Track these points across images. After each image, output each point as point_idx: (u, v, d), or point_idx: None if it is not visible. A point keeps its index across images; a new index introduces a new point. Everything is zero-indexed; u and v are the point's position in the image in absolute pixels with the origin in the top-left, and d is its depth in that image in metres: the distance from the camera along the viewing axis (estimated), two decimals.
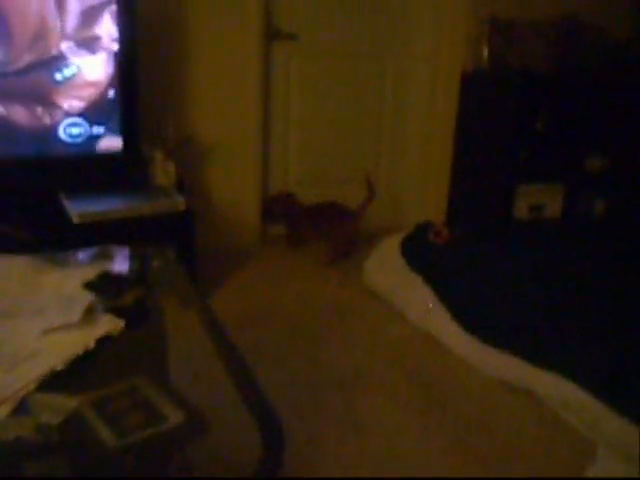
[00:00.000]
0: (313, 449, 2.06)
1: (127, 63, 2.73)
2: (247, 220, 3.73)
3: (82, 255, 1.85)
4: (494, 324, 2.58)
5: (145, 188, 2.94)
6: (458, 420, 2.24)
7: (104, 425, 1.12)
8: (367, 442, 2.11)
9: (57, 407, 1.13)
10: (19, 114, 2.63)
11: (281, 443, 1.17)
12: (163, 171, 2.99)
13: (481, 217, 3.82)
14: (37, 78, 2.60)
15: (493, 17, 3.68)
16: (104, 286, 1.57)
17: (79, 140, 2.75)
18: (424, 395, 2.39)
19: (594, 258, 3.01)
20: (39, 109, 2.65)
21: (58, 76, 2.63)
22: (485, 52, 3.73)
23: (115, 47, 2.70)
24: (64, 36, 2.60)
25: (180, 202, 2.80)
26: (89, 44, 2.65)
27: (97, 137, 2.78)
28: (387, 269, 3.12)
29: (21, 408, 1.14)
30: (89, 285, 1.56)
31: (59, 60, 2.62)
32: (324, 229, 3.59)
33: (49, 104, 2.66)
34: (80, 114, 2.72)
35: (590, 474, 1.97)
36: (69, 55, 2.62)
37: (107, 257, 1.82)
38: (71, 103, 2.69)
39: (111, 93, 2.75)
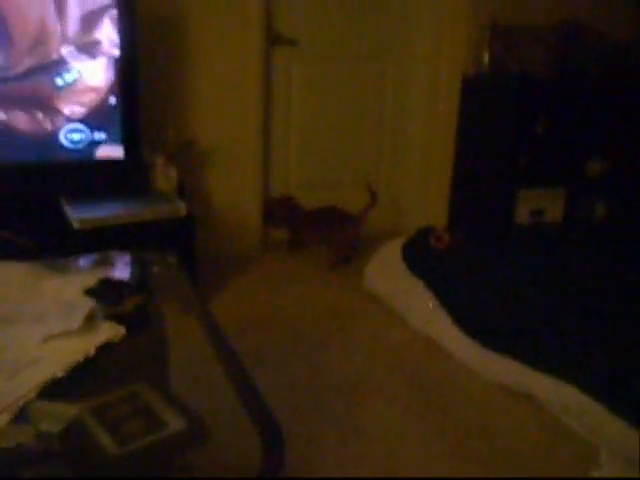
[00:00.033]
0: (313, 452, 2.06)
1: (128, 68, 2.73)
2: (248, 225, 3.73)
3: (83, 261, 1.85)
4: (495, 328, 2.58)
5: (146, 193, 2.94)
6: (459, 424, 2.24)
7: (104, 432, 1.12)
8: (367, 446, 2.11)
9: (57, 415, 1.13)
10: (20, 119, 2.63)
11: (281, 448, 1.17)
12: (164, 176, 2.99)
13: (482, 222, 3.81)
14: (38, 83, 2.61)
15: (493, 22, 3.68)
16: (105, 292, 1.57)
17: (80, 146, 2.76)
18: (425, 399, 2.39)
19: (595, 262, 3.00)
20: (40, 114, 2.66)
21: (59, 81, 2.64)
22: (485, 56, 3.73)
23: (111, 53, 2.70)
24: (64, 40, 2.60)
25: (181, 207, 2.80)
26: (89, 49, 2.65)
27: (98, 143, 2.78)
28: (388, 274, 3.12)
29: (21, 416, 1.14)
30: (90, 291, 1.56)
31: (60, 65, 2.62)
32: (325, 234, 3.59)
33: (50, 109, 2.66)
34: (81, 120, 2.73)
35: (596, 474, 1.98)
36: (70, 60, 2.63)
37: (108, 263, 1.82)
38: (72, 109, 2.69)
39: (112, 98, 2.75)
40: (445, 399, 2.40)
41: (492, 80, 3.75)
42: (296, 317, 3.01)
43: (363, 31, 3.80)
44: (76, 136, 2.74)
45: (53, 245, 2.37)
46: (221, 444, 1.19)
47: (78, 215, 2.61)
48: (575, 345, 2.35)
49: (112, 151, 2.81)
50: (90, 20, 2.62)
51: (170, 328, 1.61)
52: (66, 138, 2.72)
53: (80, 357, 1.30)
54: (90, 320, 1.43)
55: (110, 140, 2.79)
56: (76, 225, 2.57)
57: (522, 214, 3.75)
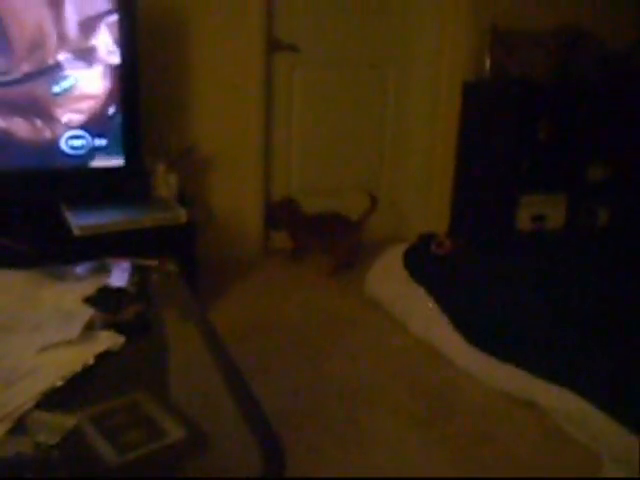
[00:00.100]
0: (314, 460, 2.05)
1: (128, 74, 2.73)
2: (249, 231, 3.72)
3: (82, 269, 1.85)
4: (496, 335, 2.57)
5: (147, 200, 2.94)
6: (460, 431, 2.24)
7: (104, 440, 1.11)
8: (368, 453, 2.11)
9: (55, 426, 1.12)
10: (19, 126, 2.63)
11: (281, 457, 1.16)
12: (165, 183, 2.99)
13: (483, 228, 3.81)
14: (35, 89, 2.60)
15: (494, 27, 3.68)
16: (104, 300, 1.56)
17: (81, 152, 2.75)
18: (426, 406, 2.38)
19: (597, 268, 3.00)
20: (39, 121, 2.65)
21: (56, 88, 2.63)
22: (487, 61, 3.72)
23: (113, 59, 2.70)
24: (61, 46, 2.59)
25: (182, 214, 2.80)
26: (87, 55, 2.65)
27: (99, 149, 2.78)
28: (389, 280, 3.12)
29: (19, 427, 1.13)
30: (89, 300, 1.56)
31: (56, 71, 2.61)
32: (326, 240, 3.59)
33: (49, 116, 2.66)
34: (82, 126, 2.72)
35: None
36: (67, 66, 2.62)
37: (107, 271, 1.82)
38: (71, 115, 2.69)
39: (112, 105, 2.75)
40: (447, 406, 2.39)
41: (493, 85, 3.75)
42: (297, 323, 3.00)
43: (364, 36, 3.79)
44: (77, 142, 2.73)
45: (53, 252, 2.37)
46: (221, 453, 1.19)
47: (78, 222, 2.60)
48: (577, 352, 2.34)
49: (112, 158, 2.80)
50: (87, 26, 2.62)
51: (170, 337, 1.61)
52: (67, 144, 2.72)
53: (79, 366, 1.30)
54: (89, 329, 1.43)
55: (111, 147, 2.79)
56: (76, 232, 2.57)
57: (523, 220, 3.74)
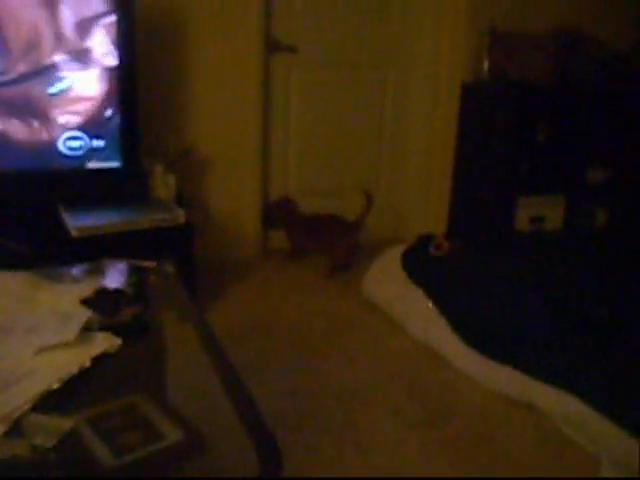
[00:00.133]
0: (312, 461, 2.05)
1: (126, 75, 2.73)
2: (247, 232, 3.72)
3: (80, 270, 1.85)
4: (495, 337, 2.57)
5: (145, 201, 2.93)
6: (458, 433, 2.23)
7: (101, 443, 1.11)
8: (366, 454, 2.10)
9: (52, 429, 1.12)
10: (17, 126, 2.62)
11: (277, 459, 1.16)
12: (163, 184, 2.98)
13: (482, 229, 3.81)
14: (32, 89, 2.59)
15: (493, 28, 3.68)
16: (102, 302, 1.56)
17: (79, 153, 2.75)
18: (424, 408, 2.38)
19: (595, 270, 3.00)
20: (37, 121, 2.65)
21: (52, 89, 2.62)
22: (485, 64, 3.72)
23: (109, 60, 2.69)
24: (58, 47, 2.58)
25: (180, 215, 2.79)
26: (83, 57, 2.64)
27: (97, 150, 2.77)
28: (387, 281, 3.11)
29: (15, 429, 1.13)
30: (86, 301, 1.55)
31: (53, 71, 2.60)
32: (323, 241, 3.58)
33: (47, 117, 2.65)
34: (79, 127, 2.72)
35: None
36: (63, 67, 2.62)
37: (105, 272, 1.81)
38: (69, 116, 2.68)
39: (110, 106, 2.74)
40: (445, 408, 2.39)
41: (492, 87, 3.75)
42: (295, 325, 3.00)
43: (363, 38, 3.79)
44: (75, 143, 2.73)
45: (51, 253, 2.37)
46: (219, 455, 1.18)
47: (76, 223, 2.60)
48: (576, 354, 2.34)
49: (110, 159, 2.80)
50: (84, 28, 2.61)
51: (167, 339, 1.61)
52: (65, 145, 2.71)
53: (75, 369, 1.29)
54: (86, 331, 1.42)
55: (108, 148, 2.78)
56: (74, 233, 2.56)
57: (522, 221, 3.74)
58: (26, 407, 1.17)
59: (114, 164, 2.82)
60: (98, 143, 2.77)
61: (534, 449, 2.17)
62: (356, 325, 3.02)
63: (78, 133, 2.72)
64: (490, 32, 3.67)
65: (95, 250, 2.16)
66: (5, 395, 1.20)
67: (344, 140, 3.94)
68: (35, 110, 2.63)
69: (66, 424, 1.13)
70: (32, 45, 2.55)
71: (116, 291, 1.67)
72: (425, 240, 3.16)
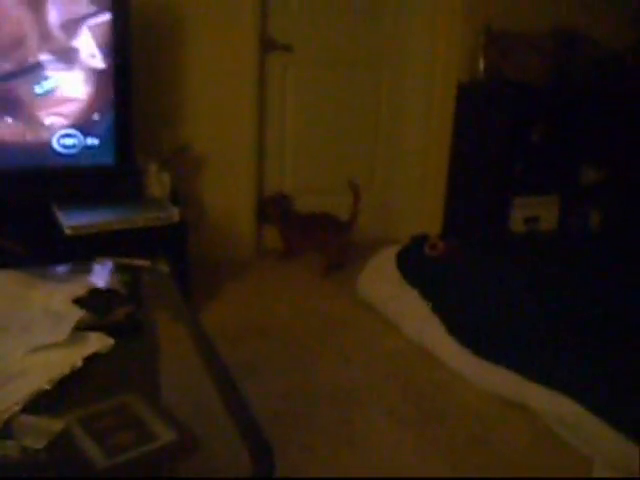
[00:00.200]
0: (306, 460, 2.05)
1: (121, 73, 2.72)
2: (241, 231, 3.71)
3: (73, 269, 1.84)
4: (489, 338, 2.56)
5: (139, 199, 2.93)
6: (452, 434, 2.23)
7: (93, 443, 1.10)
8: (361, 453, 2.11)
9: (42, 430, 1.11)
10: (9, 124, 2.61)
11: (270, 459, 1.16)
12: (158, 182, 2.97)
13: (477, 229, 3.81)
14: (19, 87, 2.58)
15: (489, 28, 3.67)
16: (94, 302, 1.55)
17: (73, 151, 2.74)
18: (418, 408, 2.38)
19: (590, 270, 3.00)
20: (30, 119, 2.63)
21: (45, 87, 2.61)
22: (481, 63, 3.72)
23: (104, 58, 2.68)
24: (43, 45, 2.57)
25: (174, 213, 2.78)
26: (76, 55, 2.63)
27: (91, 148, 2.76)
28: (382, 281, 3.11)
29: (5, 430, 1.12)
30: (79, 301, 1.54)
31: (39, 70, 2.58)
32: (317, 239, 3.58)
33: (41, 115, 2.64)
34: (74, 125, 2.71)
35: None
36: (55, 65, 2.60)
37: (98, 271, 1.80)
38: (63, 114, 2.67)
39: (105, 104, 2.73)
40: (439, 408, 2.39)
41: (487, 87, 3.75)
42: (290, 324, 2.99)
43: (358, 37, 3.79)
44: (69, 141, 2.72)
45: (44, 252, 2.35)
46: (211, 455, 1.18)
47: (69, 221, 2.59)
48: (570, 355, 2.34)
49: (104, 157, 2.79)
50: (71, 28, 2.59)
51: (160, 338, 1.60)
52: (59, 143, 2.70)
53: (67, 369, 1.29)
54: (78, 330, 1.41)
55: (103, 146, 2.77)
56: (67, 231, 2.55)
57: (516, 221, 3.74)
58: (16, 408, 1.16)
59: (108, 162, 2.81)
60: (92, 141, 2.76)
61: (528, 449, 2.17)
62: (351, 325, 3.02)
63: (72, 131, 2.71)
64: (486, 31, 3.67)
65: (89, 249, 2.15)
66: None
67: (339, 138, 3.93)
68: (29, 108, 2.62)
69: (56, 425, 1.13)
70: (16, 40, 2.52)
71: (109, 290, 1.66)
72: (420, 240, 3.16)
